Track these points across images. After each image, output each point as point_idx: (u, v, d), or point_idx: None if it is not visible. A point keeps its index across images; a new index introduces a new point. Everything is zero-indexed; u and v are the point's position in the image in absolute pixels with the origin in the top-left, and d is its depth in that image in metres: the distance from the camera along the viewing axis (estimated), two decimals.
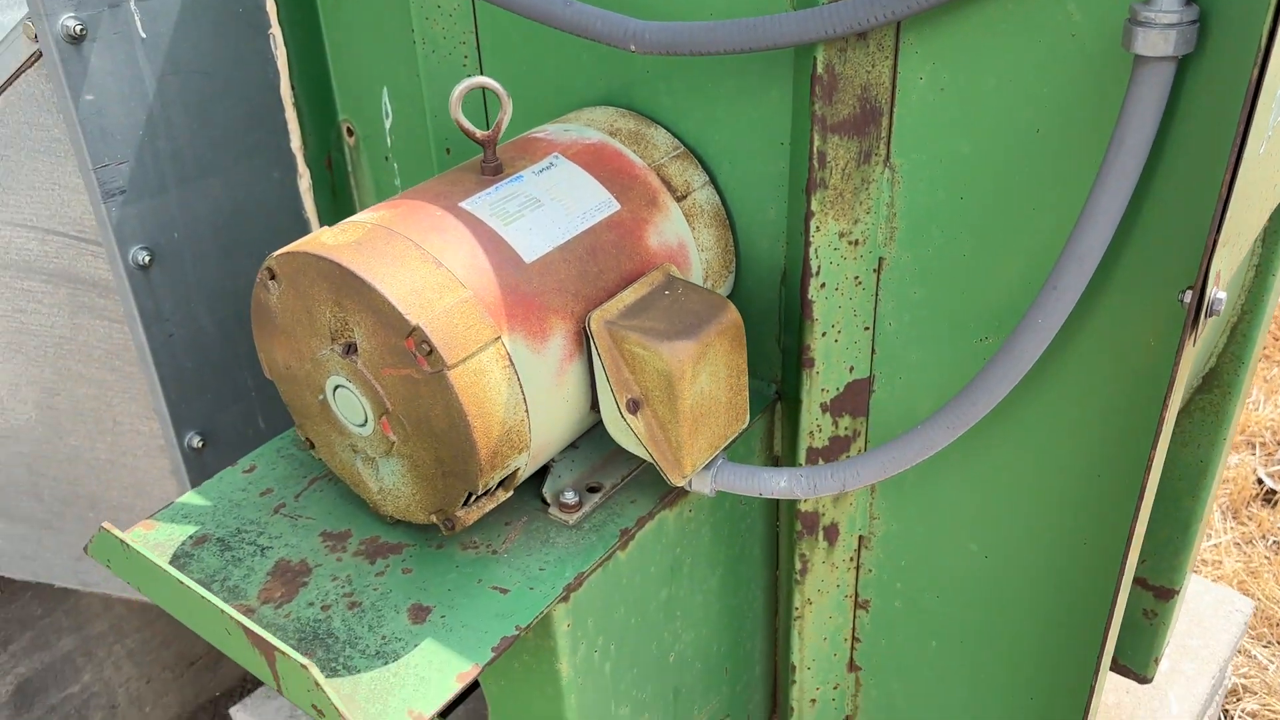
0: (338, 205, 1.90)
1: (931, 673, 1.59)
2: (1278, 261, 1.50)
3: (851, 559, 1.55)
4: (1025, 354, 1.09)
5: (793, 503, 1.52)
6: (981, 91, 1.13)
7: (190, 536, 1.30)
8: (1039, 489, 1.33)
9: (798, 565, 1.55)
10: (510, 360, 1.13)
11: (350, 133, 1.84)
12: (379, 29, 1.66)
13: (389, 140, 1.77)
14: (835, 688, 1.69)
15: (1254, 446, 3.62)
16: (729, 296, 1.45)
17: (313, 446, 1.32)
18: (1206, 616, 2.35)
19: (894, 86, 1.18)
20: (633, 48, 1.18)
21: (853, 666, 1.67)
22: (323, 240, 1.14)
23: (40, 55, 1.52)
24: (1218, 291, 1.05)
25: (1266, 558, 3.23)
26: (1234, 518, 3.42)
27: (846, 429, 1.42)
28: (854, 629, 1.62)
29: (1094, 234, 1.02)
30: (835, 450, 1.44)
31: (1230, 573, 3.17)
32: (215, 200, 1.70)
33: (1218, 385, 1.68)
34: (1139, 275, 1.11)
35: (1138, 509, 1.19)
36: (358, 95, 1.78)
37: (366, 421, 1.19)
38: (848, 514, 1.50)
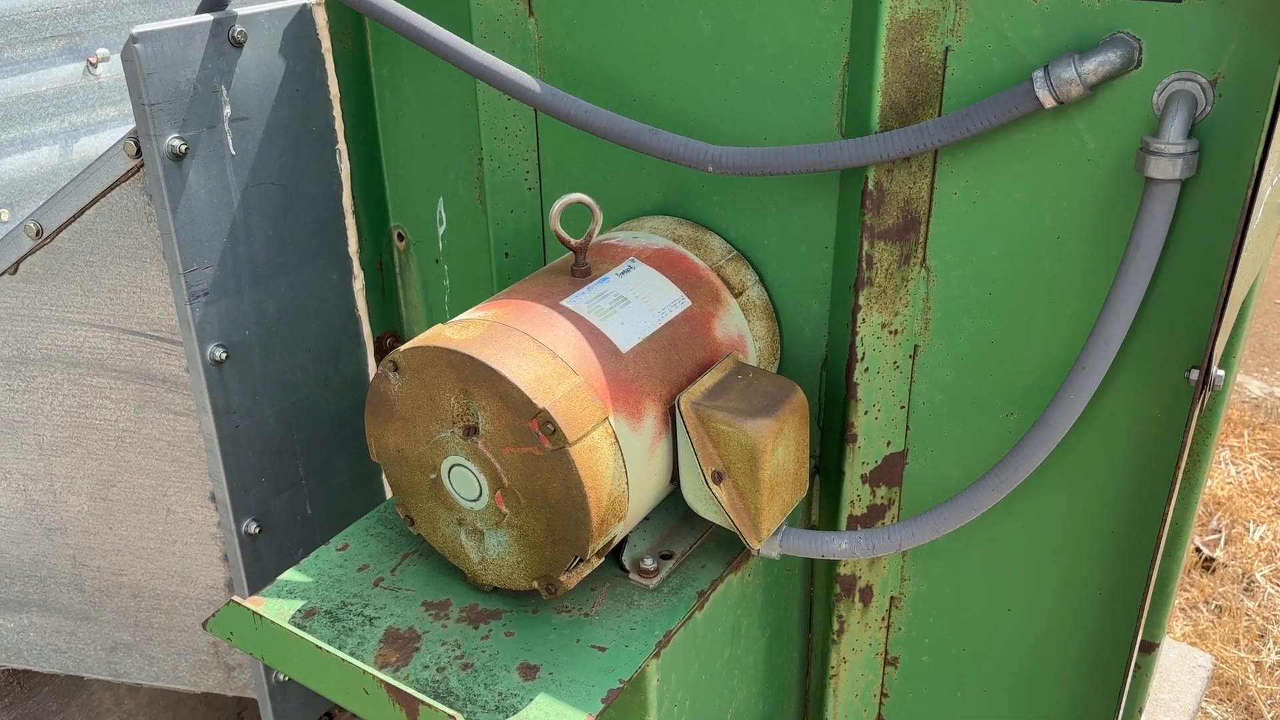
0: (385, 304, 2.04)
1: None
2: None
3: (883, 619, 1.70)
4: (1059, 425, 1.28)
5: (830, 568, 1.67)
6: (1008, 204, 1.34)
7: (299, 610, 1.41)
8: (1059, 547, 1.51)
9: (835, 626, 1.70)
10: (615, 438, 1.28)
11: (401, 238, 1.99)
12: (439, 147, 1.83)
13: (441, 245, 1.93)
14: None
15: None
16: None
17: (413, 523, 1.45)
18: (1173, 672, 2.54)
19: (931, 199, 1.39)
20: (711, 169, 1.37)
21: None
22: (448, 335, 1.29)
23: (138, 170, 1.66)
24: (1217, 369, 1.26)
25: (1211, 621, 3.47)
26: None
27: (883, 498, 1.59)
28: (883, 685, 1.77)
29: (1116, 322, 1.23)
30: (873, 517, 1.60)
31: (1181, 636, 3.39)
32: (282, 300, 1.83)
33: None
34: (1147, 357, 1.32)
35: (1153, 563, 1.37)
36: (411, 204, 1.94)
37: (480, 496, 1.32)
38: (881, 576, 1.66)
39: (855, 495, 1.58)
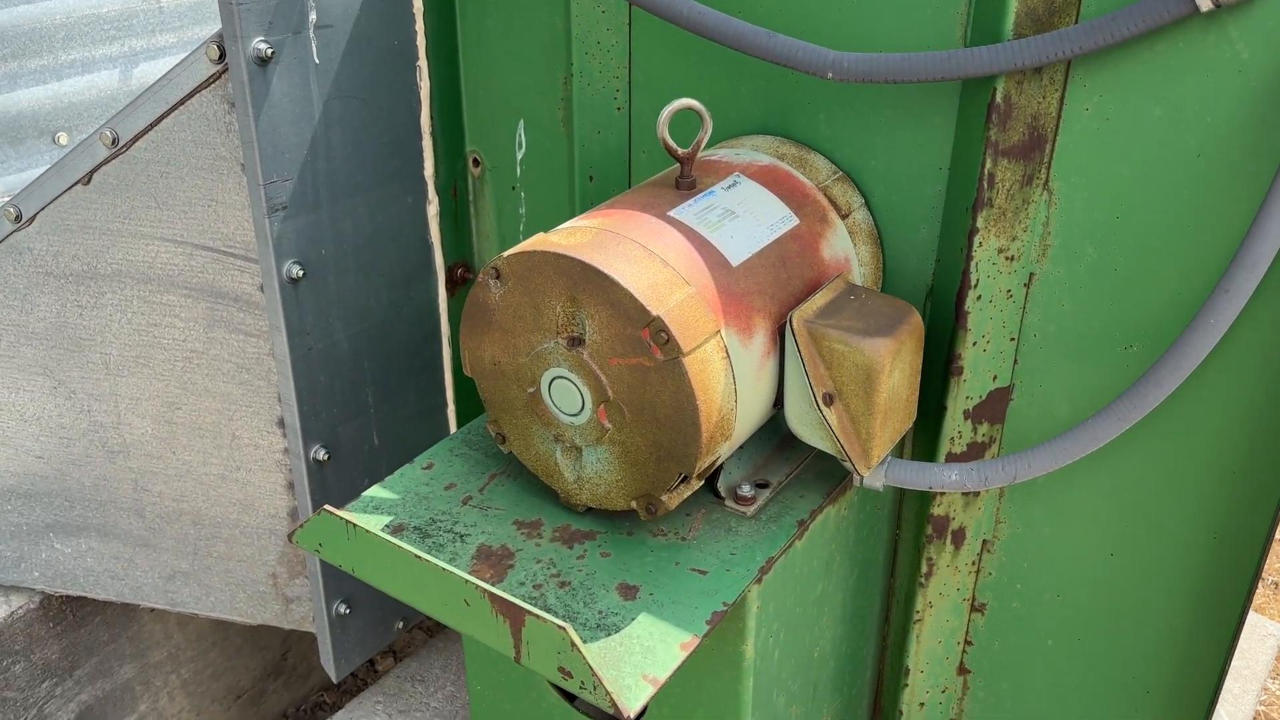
0: (458, 232, 1.99)
1: (1044, 673, 1.68)
2: None
3: (974, 563, 1.65)
4: (1195, 352, 1.22)
5: (922, 508, 1.62)
6: (1145, 120, 1.27)
7: (387, 526, 1.36)
8: (1172, 488, 1.44)
9: (923, 569, 1.65)
10: (726, 352, 1.23)
11: (476, 163, 1.93)
12: (523, 66, 1.77)
13: (519, 170, 1.87)
14: (944, 691, 1.77)
15: None
16: None
17: (504, 440, 1.40)
18: (1243, 639, 2.48)
19: (1060, 116, 1.32)
20: (831, 75, 1.31)
21: (962, 670, 1.76)
22: (555, 241, 1.23)
23: (219, 76, 1.61)
24: None
25: (1267, 596, 3.39)
26: None
27: (984, 435, 1.53)
28: (968, 631, 1.72)
29: (1265, 242, 1.16)
30: (972, 455, 1.54)
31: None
32: (358, 221, 1.78)
33: None
34: None
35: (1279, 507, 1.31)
36: (488, 128, 1.88)
37: (582, 410, 1.27)
38: (975, 518, 1.60)
39: (956, 431, 1.52)
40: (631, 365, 1.21)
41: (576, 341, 1.24)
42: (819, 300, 1.32)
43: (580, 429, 1.29)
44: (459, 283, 2.04)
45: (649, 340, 1.18)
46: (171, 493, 2.03)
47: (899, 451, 1.61)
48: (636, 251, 1.22)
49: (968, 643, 1.73)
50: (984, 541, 1.63)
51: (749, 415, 1.30)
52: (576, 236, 1.24)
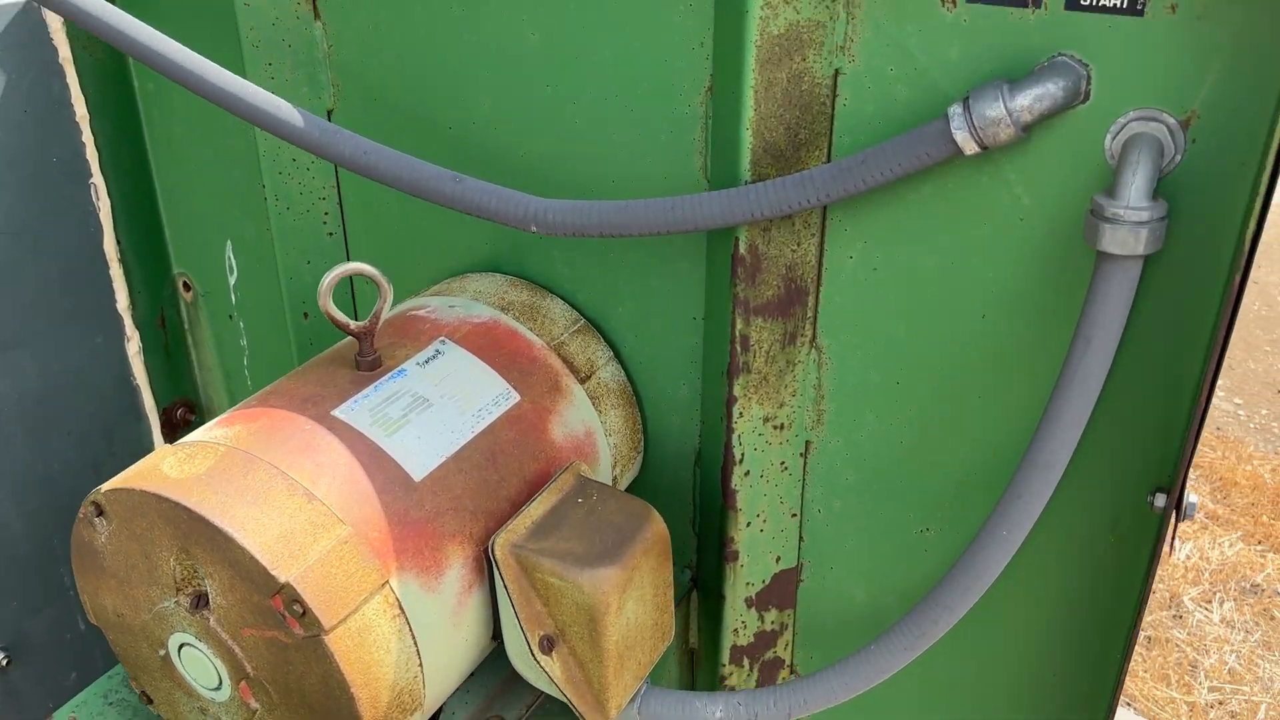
0: (172, 368, 1.66)
1: None
2: None
3: None
4: (989, 567, 0.98)
5: None
6: (918, 272, 1.03)
7: None
8: (987, 697, 1.22)
9: None
10: (400, 608, 0.94)
11: (187, 288, 1.61)
12: (221, 178, 1.46)
13: (234, 298, 1.56)
14: None
15: None
16: (638, 477, 1.30)
17: (151, 702, 1.09)
18: None
19: (820, 265, 1.07)
20: (534, 229, 1.03)
21: None
22: (164, 472, 0.93)
23: None
24: (1191, 495, 0.96)
25: (1140, 654, 3.26)
26: None
27: (773, 623, 1.28)
28: None
29: (1059, 440, 0.93)
30: (761, 646, 1.29)
31: None
32: (23, 377, 1.45)
33: None
34: (1098, 471, 1.03)
35: (1111, 711, 1.09)
36: (195, 247, 1.57)
37: (221, 685, 0.97)
38: None
39: (740, 621, 1.27)
40: (267, 638, 0.91)
41: (200, 601, 0.94)
42: (535, 511, 1.04)
43: (225, 706, 0.99)
44: (180, 424, 1.71)
45: (283, 611, 0.88)
46: None
47: (684, 638, 1.35)
48: (271, 483, 0.93)
49: None
50: None
51: (448, 670, 1.02)
52: (195, 463, 0.94)
